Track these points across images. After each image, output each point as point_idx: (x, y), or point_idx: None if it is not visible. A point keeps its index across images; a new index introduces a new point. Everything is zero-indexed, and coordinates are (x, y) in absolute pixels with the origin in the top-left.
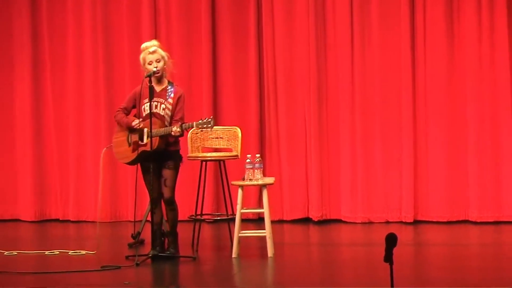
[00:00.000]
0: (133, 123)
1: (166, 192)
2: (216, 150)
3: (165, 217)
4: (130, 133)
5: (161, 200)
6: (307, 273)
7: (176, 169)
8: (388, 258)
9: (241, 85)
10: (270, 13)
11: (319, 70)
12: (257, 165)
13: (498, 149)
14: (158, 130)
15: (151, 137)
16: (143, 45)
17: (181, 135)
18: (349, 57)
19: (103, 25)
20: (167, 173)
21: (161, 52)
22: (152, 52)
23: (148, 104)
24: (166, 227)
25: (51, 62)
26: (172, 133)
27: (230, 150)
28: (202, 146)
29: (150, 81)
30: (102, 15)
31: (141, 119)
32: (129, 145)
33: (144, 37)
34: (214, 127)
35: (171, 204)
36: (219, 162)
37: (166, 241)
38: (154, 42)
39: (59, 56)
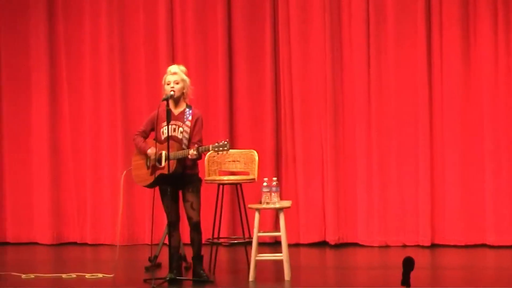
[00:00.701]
0: (148, 152)
1: (194, 216)
2: (232, 173)
3: (183, 241)
4: (149, 156)
5: (178, 224)
6: None
7: (199, 192)
8: (406, 281)
9: (257, 108)
10: (287, 35)
11: (335, 91)
12: (274, 188)
13: None
14: (175, 153)
15: (168, 160)
16: (169, 68)
17: (198, 158)
18: (366, 78)
19: (120, 46)
20: (192, 197)
21: (183, 75)
22: (173, 73)
23: (166, 127)
24: (183, 250)
25: (68, 83)
26: (189, 156)
27: (247, 173)
28: (219, 169)
29: (167, 104)
30: (119, 36)
31: (155, 149)
32: (148, 168)
33: (161, 59)
34: (231, 150)
35: (198, 227)
36: (236, 185)
37: (183, 264)
38: (181, 67)
39: (76, 76)
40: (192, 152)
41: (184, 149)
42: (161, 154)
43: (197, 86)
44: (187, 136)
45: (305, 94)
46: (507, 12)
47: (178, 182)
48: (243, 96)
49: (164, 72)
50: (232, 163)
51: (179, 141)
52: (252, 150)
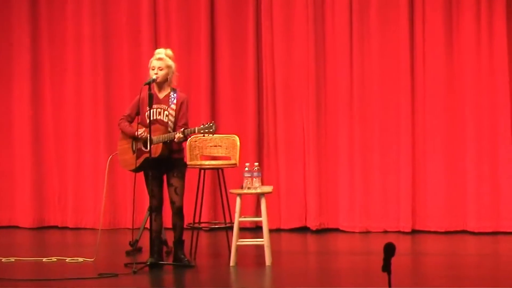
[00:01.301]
0: (137, 133)
1: (177, 201)
2: (214, 158)
3: (164, 225)
4: (134, 140)
5: (162, 208)
6: (305, 282)
7: (183, 177)
8: (386, 267)
9: (240, 93)
10: (269, 21)
11: (318, 78)
12: (255, 173)
13: (497, 160)
14: (160, 136)
15: (150, 143)
16: (156, 50)
17: (184, 140)
18: (348, 65)
19: (102, 32)
20: (176, 181)
21: (168, 61)
22: (158, 59)
23: (151, 111)
24: (164, 235)
25: (50, 69)
26: (175, 139)
27: (228, 158)
28: (200, 154)
29: (149, 88)
30: (101, 22)
31: (144, 129)
32: (134, 152)
33: (143, 45)
34: (214, 135)
35: (181, 212)
36: (217, 170)
37: (164, 249)
38: (168, 51)
39: (58, 62)
40: (178, 135)
41: (170, 132)
42: (147, 137)
43: (180, 71)
44: (172, 119)
45: (288, 80)
46: (490, 0)
47: (163, 166)
48: (225, 81)
49: (147, 58)
50: (213, 148)
51: (165, 125)
52: (234, 135)
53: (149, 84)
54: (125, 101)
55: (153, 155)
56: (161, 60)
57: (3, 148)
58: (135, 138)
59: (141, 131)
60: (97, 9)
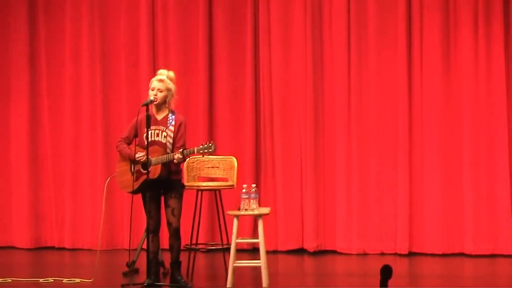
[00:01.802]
0: (137, 156)
1: (174, 222)
2: (212, 179)
3: (161, 246)
4: (133, 162)
5: (159, 229)
6: None
7: (181, 198)
8: None
9: (237, 114)
10: (267, 41)
11: (316, 98)
12: (252, 195)
13: (494, 182)
14: (159, 158)
15: (147, 165)
16: (158, 71)
17: (183, 161)
18: (346, 85)
19: (100, 51)
20: (174, 202)
21: (169, 84)
22: (159, 80)
23: (150, 132)
24: (161, 256)
25: (48, 88)
26: (175, 160)
27: (226, 179)
28: (198, 175)
29: (147, 109)
30: (99, 41)
31: (144, 153)
32: (132, 174)
33: (141, 64)
34: (210, 156)
35: (178, 233)
36: (215, 191)
37: (161, 270)
38: (170, 73)
39: (56, 82)
40: (177, 155)
41: (168, 153)
42: (146, 159)
43: (178, 92)
44: (171, 140)
45: (285, 100)
46: (487, 18)
47: (161, 187)
48: (223, 102)
49: (145, 78)
50: (211, 169)
51: (164, 146)
52: (232, 157)
53: (146, 105)
54: (123, 121)
55: (151, 176)
56: (162, 82)
57: (0, 168)
58: (133, 161)
59: (141, 155)
60: (96, 29)
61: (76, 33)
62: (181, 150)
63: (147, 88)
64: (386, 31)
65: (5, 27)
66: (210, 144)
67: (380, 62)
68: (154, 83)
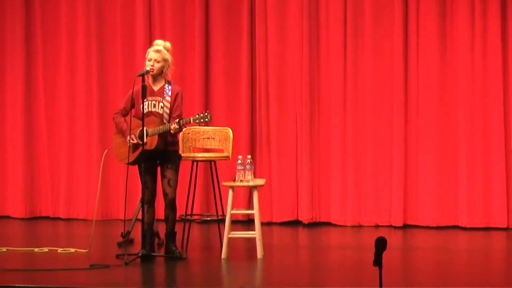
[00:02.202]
0: (128, 138)
1: (170, 193)
2: (207, 150)
3: (156, 217)
4: (129, 133)
5: (154, 200)
6: (296, 275)
7: (177, 169)
8: (377, 261)
9: (233, 87)
10: (264, 16)
11: (311, 73)
12: (248, 166)
13: (489, 156)
14: (156, 128)
15: (144, 135)
16: (155, 41)
17: (179, 131)
18: (342, 61)
19: (96, 25)
20: (170, 173)
21: (165, 54)
22: (156, 51)
23: (146, 103)
24: (156, 227)
25: (44, 61)
26: (171, 130)
27: (221, 150)
28: (193, 146)
29: (143, 80)
30: (95, 17)
31: (133, 135)
32: (129, 146)
33: (137, 39)
34: (206, 127)
35: (174, 204)
36: (210, 162)
37: (156, 241)
38: (166, 44)
39: (52, 55)
40: (174, 126)
41: (165, 124)
42: (142, 130)
43: (174, 63)
44: (167, 111)
45: (281, 74)
46: (484, 2)
47: (158, 158)
48: (219, 74)
49: (141, 53)
50: (206, 140)
51: (160, 117)
52: (227, 128)
53: (142, 75)
54: (118, 94)
55: (148, 147)
56: (159, 52)
57: None
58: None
59: (129, 139)
60: (92, 5)
61: (72, 8)
62: (177, 120)
63: (143, 60)
64: (382, 12)
65: (1, 3)
66: (206, 114)
67: (377, 41)
68: (151, 53)
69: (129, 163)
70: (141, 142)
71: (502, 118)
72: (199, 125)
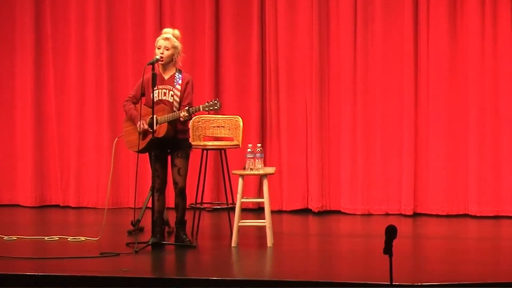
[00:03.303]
0: (137, 125)
1: (180, 181)
2: (217, 139)
3: (166, 205)
4: (140, 121)
5: (165, 188)
6: (306, 264)
7: (187, 158)
8: (388, 250)
9: (243, 75)
10: (274, 3)
11: (321, 61)
12: (258, 154)
13: (499, 144)
14: (165, 116)
15: (154, 124)
16: (164, 30)
17: (189, 119)
18: (352, 48)
19: (106, 12)
20: (180, 162)
21: (175, 42)
22: (165, 38)
23: (156, 91)
24: (166, 215)
25: (54, 48)
26: (181, 118)
27: (231, 139)
28: (203, 134)
29: (153, 68)
30: (105, 1)
31: (143, 121)
32: (139, 133)
33: (148, 25)
34: (216, 116)
35: (184, 192)
36: (220, 151)
37: (166, 229)
38: (175, 31)
39: (62, 42)
40: (183, 113)
41: (174, 112)
42: (152, 118)
43: (184, 52)
44: (177, 99)
45: (291, 63)
46: None
47: (168, 146)
48: (229, 63)
49: (151, 38)
50: (216, 129)
51: (170, 105)
52: (237, 116)
53: (152, 64)
54: (128, 81)
55: (158, 135)
56: (168, 40)
57: (5, 127)
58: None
59: (139, 124)
60: None
61: None
62: (186, 108)
63: (153, 48)
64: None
65: None
66: (216, 101)
67: (386, 26)
68: (160, 41)
69: (139, 151)
70: (150, 130)
71: None
72: (209, 113)
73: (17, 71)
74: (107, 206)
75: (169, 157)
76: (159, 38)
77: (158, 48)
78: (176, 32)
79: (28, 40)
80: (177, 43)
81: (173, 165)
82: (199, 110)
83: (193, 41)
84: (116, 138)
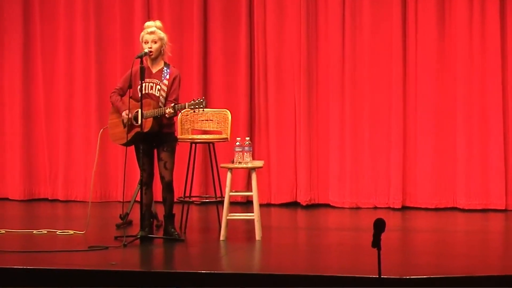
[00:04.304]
0: (123, 115)
1: (166, 175)
2: (205, 132)
3: (155, 199)
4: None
5: (152, 182)
6: (294, 257)
7: (173, 152)
8: (376, 243)
9: (232, 68)
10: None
11: (309, 55)
12: (246, 148)
13: (487, 138)
14: (151, 111)
15: (141, 118)
16: (146, 24)
17: (175, 115)
18: (340, 42)
19: (94, 5)
20: (165, 156)
21: (160, 33)
22: (150, 33)
23: (144, 84)
24: (155, 209)
25: (42, 41)
26: (166, 114)
27: (219, 132)
28: (191, 128)
29: (141, 62)
30: None
31: (129, 112)
32: (124, 126)
33: (136, 19)
34: (205, 109)
35: (171, 186)
36: (208, 144)
37: (155, 223)
38: (157, 23)
39: (50, 35)
40: (169, 110)
41: (161, 107)
42: (137, 112)
43: (172, 47)
44: (164, 94)
45: (279, 57)
46: None
47: (154, 141)
48: (217, 58)
49: (139, 32)
50: (205, 122)
51: (156, 99)
52: (225, 110)
53: (141, 57)
54: (116, 75)
55: (142, 130)
56: (154, 33)
57: None
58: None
59: (124, 114)
60: None
61: None
62: (172, 104)
63: (141, 42)
64: None
65: None
66: (202, 100)
67: (374, 22)
68: (146, 36)
69: (124, 144)
70: (135, 123)
71: (500, 100)
72: (194, 111)
73: (5, 65)
74: (91, 199)
75: (155, 151)
76: (143, 33)
77: (146, 43)
78: (158, 23)
79: (17, 37)
80: (162, 34)
81: (159, 159)
82: (185, 107)
83: (181, 36)
84: (101, 130)
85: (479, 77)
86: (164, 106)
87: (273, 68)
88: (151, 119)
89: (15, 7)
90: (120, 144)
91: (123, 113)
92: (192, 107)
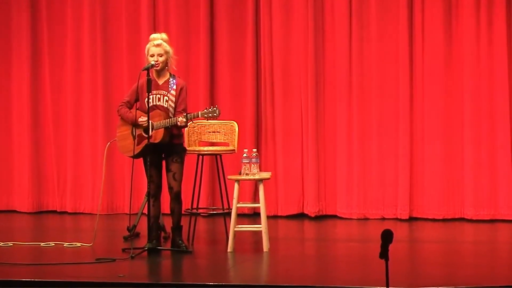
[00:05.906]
0: (139, 120)
1: (175, 186)
2: (212, 144)
3: (162, 210)
4: (134, 126)
5: (160, 193)
6: (302, 269)
7: (182, 163)
8: (384, 254)
9: (238, 79)
10: (268, 6)
11: (317, 64)
12: (253, 159)
13: (495, 148)
14: (162, 122)
15: (149, 129)
16: (151, 36)
17: (186, 125)
18: (347, 50)
19: (101, 16)
20: (175, 167)
21: (166, 47)
22: (156, 45)
23: (151, 96)
24: (162, 220)
25: (50, 52)
26: (178, 123)
27: (226, 144)
28: (199, 139)
29: (148, 74)
30: (101, 7)
31: (142, 115)
32: (134, 138)
33: (142, 29)
34: (211, 121)
35: (179, 197)
36: (215, 156)
37: (162, 234)
38: (163, 35)
39: (58, 46)
40: (181, 119)
41: (171, 117)
42: (147, 123)
43: (179, 57)
44: (172, 105)
45: (286, 66)
46: None
47: (163, 151)
48: (224, 67)
49: (146, 41)
50: (212, 134)
51: (165, 110)
52: (232, 121)
53: (147, 69)
54: (123, 86)
55: (154, 141)
56: (160, 46)
57: (2, 133)
58: (135, 125)
59: (144, 119)
60: None
61: None
62: (185, 114)
63: (146, 55)
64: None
65: None
66: (215, 108)
67: (381, 28)
68: (152, 49)
69: (133, 156)
70: (145, 135)
71: (507, 109)
72: (207, 120)
73: (13, 76)
74: (99, 211)
75: (164, 162)
76: (149, 46)
77: (152, 56)
78: (164, 35)
79: (25, 46)
80: (168, 48)
81: (168, 170)
82: (198, 116)
83: (188, 45)
84: (108, 143)
85: (487, 83)
86: (174, 116)
87: (280, 77)
88: (163, 129)
89: (22, 15)
90: (130, 157)
91: (139, 119)
92: (206, 115)
